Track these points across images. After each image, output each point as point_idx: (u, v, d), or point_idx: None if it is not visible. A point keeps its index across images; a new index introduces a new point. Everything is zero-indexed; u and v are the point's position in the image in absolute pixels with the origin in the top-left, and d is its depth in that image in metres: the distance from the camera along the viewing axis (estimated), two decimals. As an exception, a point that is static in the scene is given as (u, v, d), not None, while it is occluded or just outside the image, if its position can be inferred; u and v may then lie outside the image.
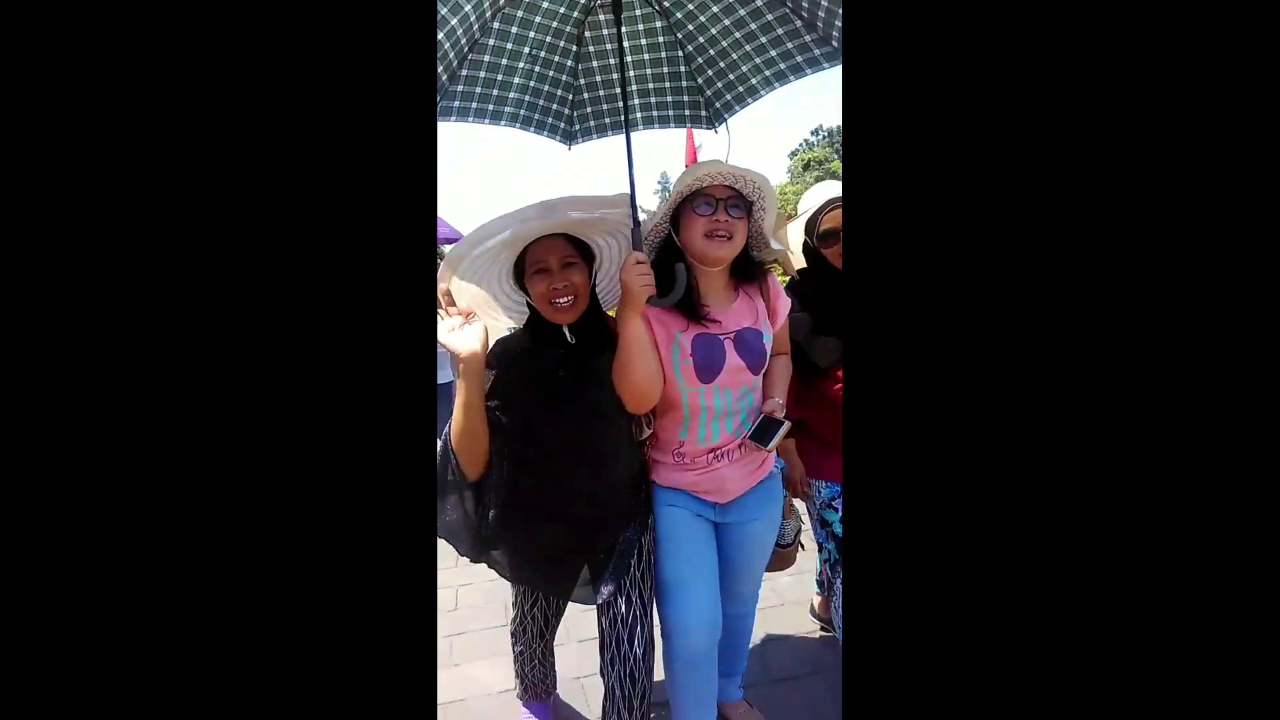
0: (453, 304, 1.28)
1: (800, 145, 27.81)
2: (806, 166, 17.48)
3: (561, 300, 1.25)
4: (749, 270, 1.40)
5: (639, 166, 1.41)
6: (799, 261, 1.71)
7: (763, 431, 1.37)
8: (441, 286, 1.28)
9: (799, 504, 1.80)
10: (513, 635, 1.69)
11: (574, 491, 1.36)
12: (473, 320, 1.26)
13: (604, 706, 1.43)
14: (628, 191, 1.28)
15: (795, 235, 1.70)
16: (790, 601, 2.29)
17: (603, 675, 1.42)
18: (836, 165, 15.66)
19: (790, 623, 2.20)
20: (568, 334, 1.31)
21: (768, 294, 1.41)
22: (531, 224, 1.23)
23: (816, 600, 2.21)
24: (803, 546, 1.85)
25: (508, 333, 1.43)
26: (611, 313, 1.42)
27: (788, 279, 1.74)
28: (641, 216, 1.30)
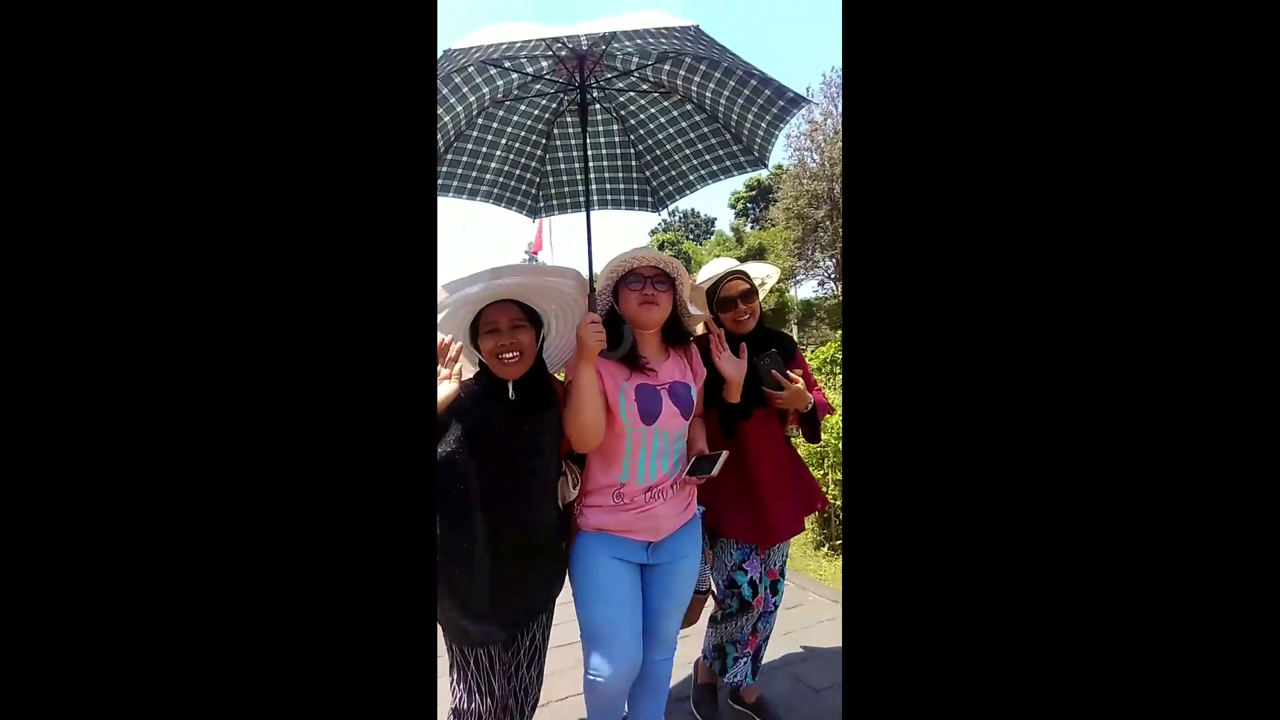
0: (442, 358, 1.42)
1: (658, 225, 30.73)
2: (661, 246, 19.27)
3: (508, 356, 1.41)
4: (677, 335, 1.68)
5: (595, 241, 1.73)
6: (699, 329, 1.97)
7: (700, 464, 1.59)
8: (443, 339, 1.42)
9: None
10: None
11: (502, 537, 1.46)
12: (451, 378, 1.38)
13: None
14: (572, 267, 1.58)
15: (694, 304, 1.97)
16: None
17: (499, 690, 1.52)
18: (686, 246, 17.19)
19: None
20: (510, 389, 1.46)
21: (691, 358, 1.70)
22: (479, 287, 1.42)
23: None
24: (713, 595, 1.92)
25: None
26: (559, 375, 1.64)
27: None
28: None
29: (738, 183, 30.76)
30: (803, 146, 20.06)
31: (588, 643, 1.56)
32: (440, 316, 1.49)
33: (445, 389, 1.34)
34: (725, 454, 1.60)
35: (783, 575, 1.98)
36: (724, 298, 1.82)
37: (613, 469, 1.57)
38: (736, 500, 1.81)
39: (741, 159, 2.07)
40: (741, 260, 2.16)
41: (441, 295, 1.47)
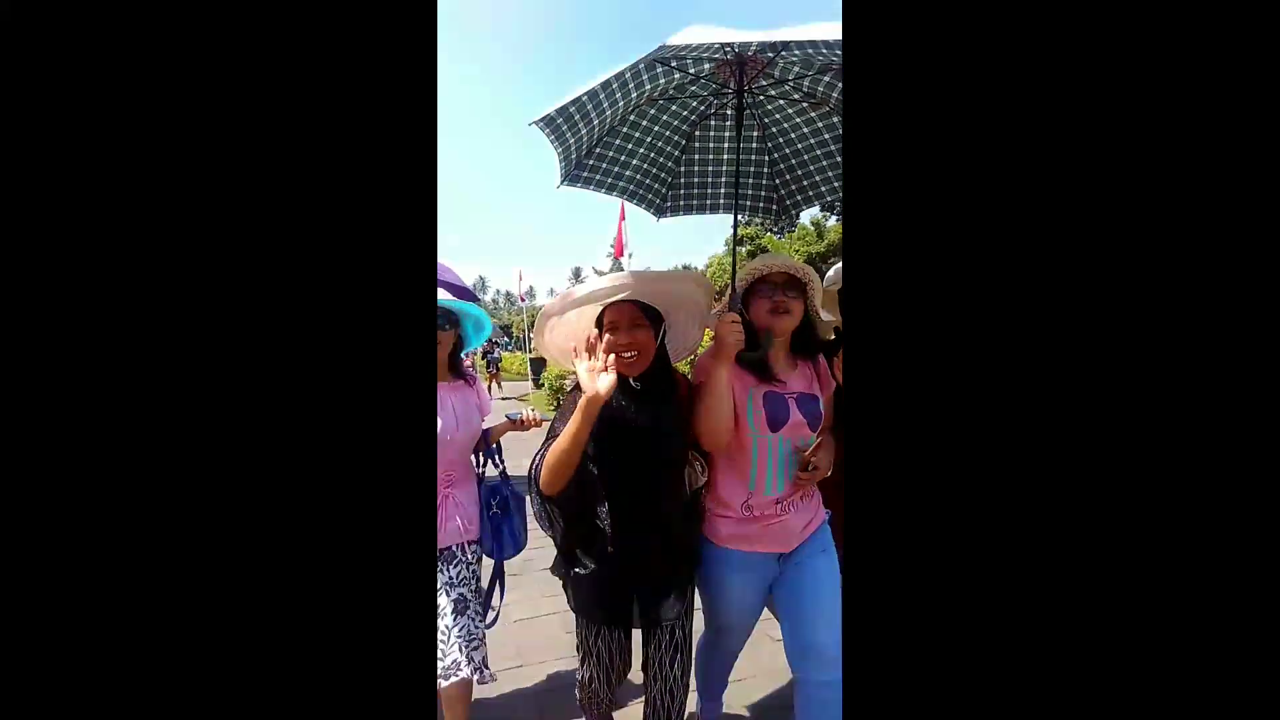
0: (593, 350, 1.47)
1: (727, 231, 31.62)
2: (740, 240, 19.09)
3: (626, 355, 1.48)
4: (806, 346, 1.68)
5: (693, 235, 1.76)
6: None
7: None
8: (592, 333, 1.51)
9: None
10: (585, 700, 1.77)
11: (633, 521, 1.52)
12: (608, 369, 1.43)
13: (645, 714, 1.60)
14: (702, 276, 1.61)
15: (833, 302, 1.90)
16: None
17: (645, 691, 1.59)
18: (766, 239, 16.89)
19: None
20: (633, 383, 1.53)
21: (820, 371, 1.69)
22: (601, 286, 1.53)
23: None
24: None
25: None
26: (681, 366, 1.68)
27: None
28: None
29: None
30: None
31: (711, 625, 1.74)
32: (558, 322, 1.60)
33: (607, 380, 1.39)
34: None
35: None
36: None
37: (741, 478, 1.59)
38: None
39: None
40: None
41: (562, 298, 1.57)
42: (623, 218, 4.26)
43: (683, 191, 2.33)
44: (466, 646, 1.71)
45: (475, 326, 1.88)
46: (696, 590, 1.65)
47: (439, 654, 1.71)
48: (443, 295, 1.80)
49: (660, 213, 2.36)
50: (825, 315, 1.82)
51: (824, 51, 1.67)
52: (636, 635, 1.63)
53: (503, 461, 1.97)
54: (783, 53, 1.73)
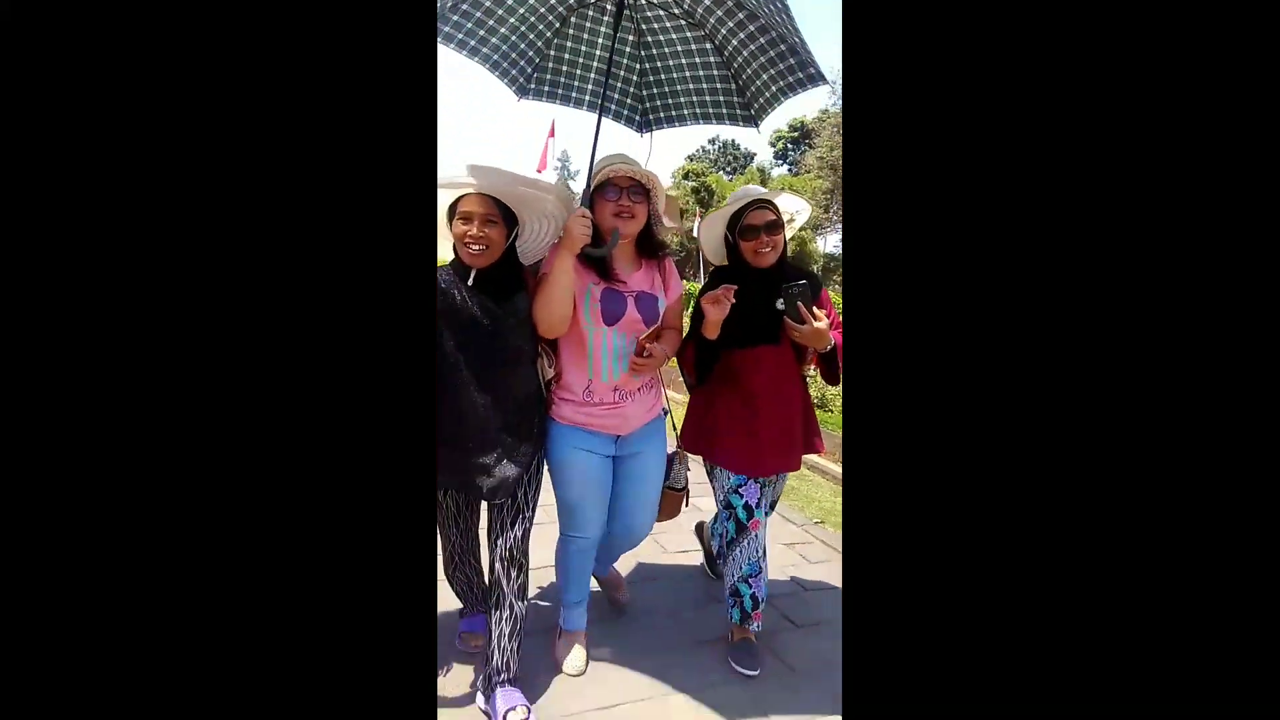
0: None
1: (695, 152, 31.93)
2: (686, 176, 19.15)
3: (475, 248, 1.53)
4: (651, 249, 1.79)
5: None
6: (712, 254, 2.01)
7: (790, 299, 1.69)
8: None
9: (694, 460, 2.01)
10: (447, 572, 1.93)
11: (480, 404, 1.60)
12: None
13: (489, 575, 1.73)
14: (565, 188, 1.62)
15: (713, 229, 1.93)
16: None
17: (489, 552, 1.70)
18: (711, 179, 17.07)
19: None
20: (471, 275, 1.57)
21: (665, 272, 1.81)
22: (466, 178, 1.53)
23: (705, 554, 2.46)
24: (687, 501, 2.03)
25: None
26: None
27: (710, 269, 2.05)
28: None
29: (780, 120, 30.48)
30: (848, 95, 20.20)
31: (562, 515, 1.81)
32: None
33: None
34: (804, 282, 1.73)
35: (772, 508, 2.04)
36: (746, 225, 1.81)
37: (579, 366, 1.71)
38: (733, 428, 1.87)
39: (738, 112, 2.18)
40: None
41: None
42: (551, 134, 4.05)
43: (549, 76, 2.25)
44: None
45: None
46: (545, 470, 1.77)
47: None
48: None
49: (523, 92, 2.27)
50: (668, 222, 1.90)
51: None
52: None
53: None
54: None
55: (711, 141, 34.27)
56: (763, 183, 18.85)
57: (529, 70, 2.20)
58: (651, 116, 2.32)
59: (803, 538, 2.92)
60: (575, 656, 1.87)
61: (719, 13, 1.91)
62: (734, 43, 1.97)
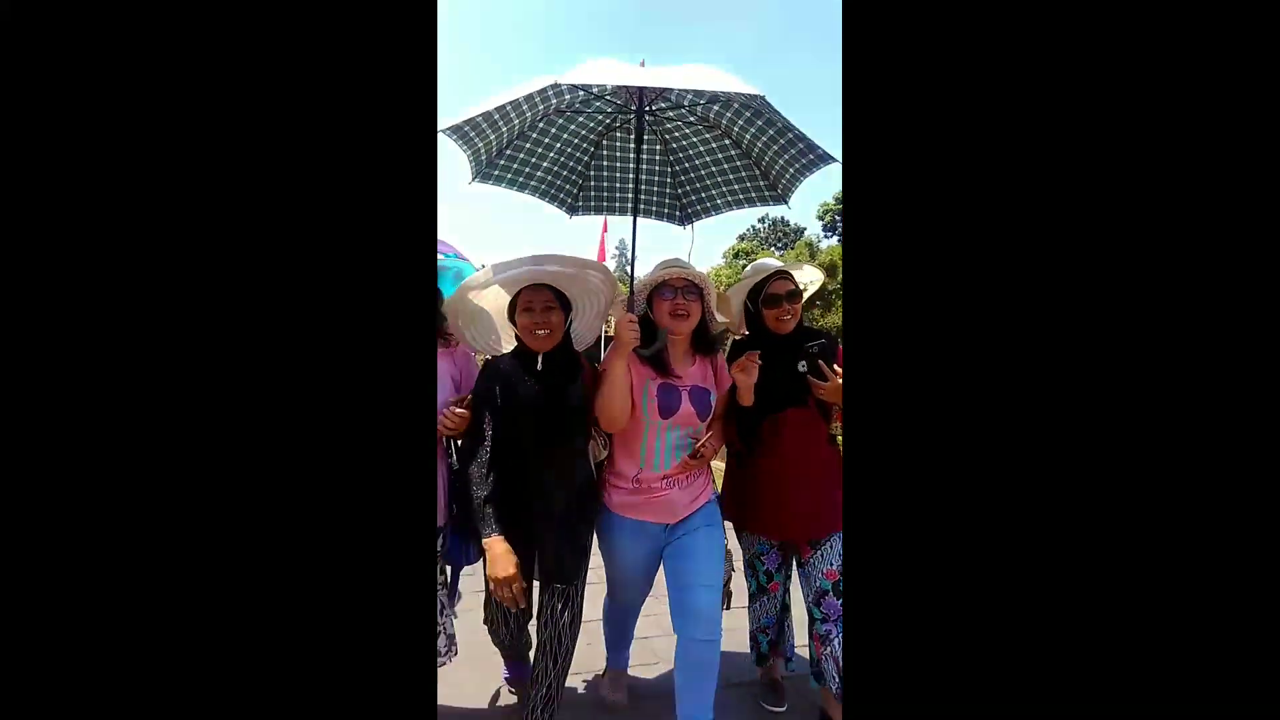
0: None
1: (746, 232, 33.37)
2: (736, 255, 19.82)
3: (540, 332, 1.69)
4: (705, 345, 1.91)
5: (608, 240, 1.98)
6: (735, 323, 2.09)
7: (810, 359, 1.83)
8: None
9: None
10: (493, 636, 1.99)
11: (538, 486, 1.71)
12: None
13: (535, 658, 1.81)
14: (606, 267, 1.82)
15: (735, 299, 2.03)
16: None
17: (537, 635, 1.80)
18: (761, 255, 17.54)
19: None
20: (539, 361, 1.73)
21: (716, 366, 1.92)
22: (524, 270, 1.70)
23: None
24: (727, 604, 1.94)
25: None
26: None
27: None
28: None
29: (826, 193, 31.25)
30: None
31: (611, 585, 1.99)
32: (480, 291, 1.75)
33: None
34: (824, 341, 1.85)
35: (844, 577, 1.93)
36: (770, 295, 1.92)
37: (633, 457, 1.81)
38: (760, 493, 1.92)
39: (766, 193, 2.32)
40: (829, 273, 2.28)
41: (486, 274, 1.72)
42: (605, 230, 4.46)
43: (593, 193, 2.51)
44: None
45: (456, 279, 1.89)
46: (598, 550, 1.88)
47: None
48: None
49: (572, 211, 2.54)
50: (720, 318, 2.03)
51: (726, 101, 1.88)
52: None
53: None
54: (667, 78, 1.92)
55: (761, 220, 35.35)
56: (812, 255, 18.93)
57: (575, 191, 2.48)
58: (690, 210, 2.52)
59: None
60: (618, 690, 2.11)
61: (729, 114, 2.10)
62: (748, 136, 2.15)
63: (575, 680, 2.11)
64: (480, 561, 1.72)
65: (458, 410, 1.70)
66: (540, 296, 1.71)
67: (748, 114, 2.04)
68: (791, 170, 2.14)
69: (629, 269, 1.90)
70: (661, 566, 1.88)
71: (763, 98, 1.67)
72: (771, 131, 2.04)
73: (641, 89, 1.96)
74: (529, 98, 1.88)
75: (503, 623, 1.91)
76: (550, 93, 1.92)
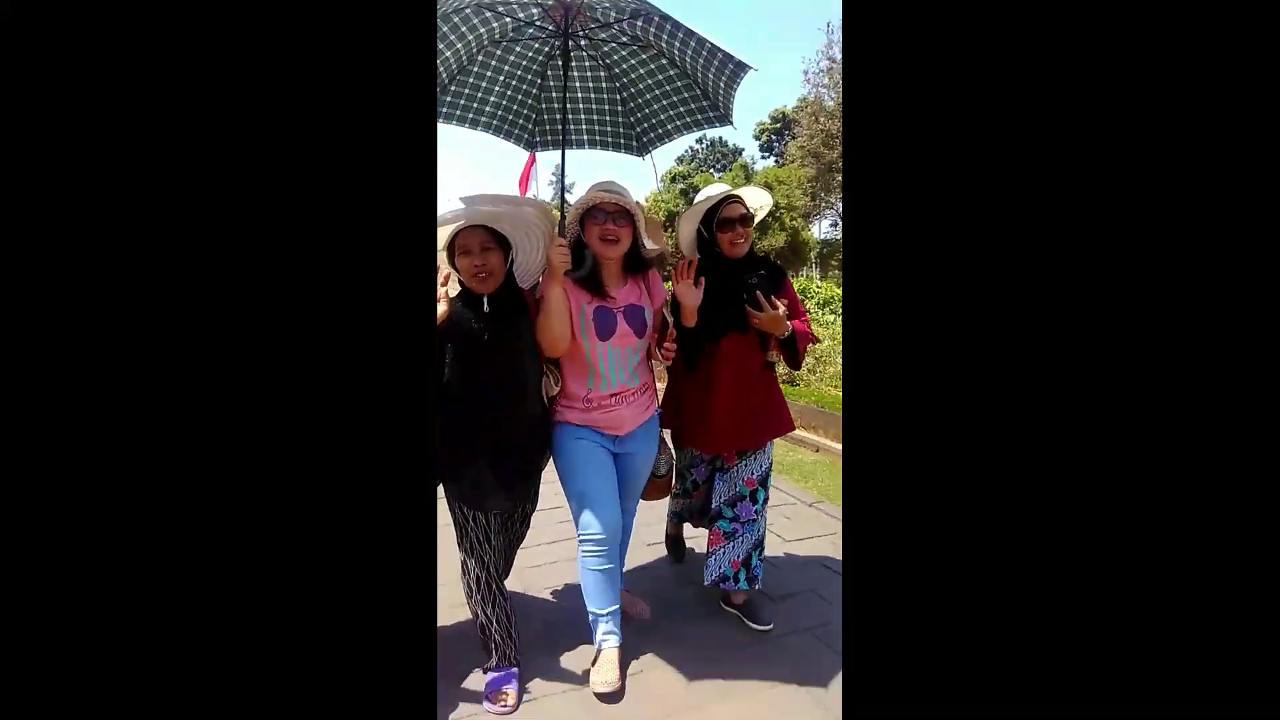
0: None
1: (685, 153, 33.56)
2: (674, 179, 19.52)
3: (481, 274, 1.72)
4: (635, 265, 1.94)
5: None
6: (686, 248, 2.15)
7: (749, 289, 1.88)
8: (442, 261, 1.76)
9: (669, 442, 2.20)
10: (474, 608, 1.88)
11: (495, 424, 1.81)
12: (441, 299, 1.69)
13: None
14: (542, 200, 1.86)
15: (689, 224, 2.04)
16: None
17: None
18: (700, 179, 17.10)
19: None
20: (485, 303, 1.77)
21: (649, 283, 1.96)
22: (455, 211, 1.74)
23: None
24: (671, 486, 2.19)
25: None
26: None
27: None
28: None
29: (762, 113, 30.65)
30: (821, 84, 18.76)
31: (577, 509, 1.89)
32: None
33: (440, 308, 1.65)
34: (764, 273, 1.89)
35: (763, 485, 2.08)
36: (723, 219, 1.94)
37: (580, 379, 1.88)
38: (694, 409, 2.02)
39: (711, 115, 2.29)
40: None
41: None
42: (532, 161, 4.40)
43: (547, 127, 2.56)
44: None
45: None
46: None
47: None
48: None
49: (531, 146, 2.60)
50: (649, 242, 2.06)
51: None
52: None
53: None
54: (589, -1, 1.93)
55: (699, 141, 34.27)
56: (748, 177, 18.21)
57: (529, 127, 2.53)
58: (644, 139, 2.51)
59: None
60: (607, 672, 1.86)
61: (653, 30, 2.08)
62: (677, 52, 2.12)
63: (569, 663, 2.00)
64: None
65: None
66: (476, 238, 1.73)
67: (669, 26, 2.02)
68: (723, 84, 2.10)
69: (569, 191, 1.94)
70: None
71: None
72: (693, 44, 2.01)
73: (565, 9, 1.99)
74: (446, 19, 1.94)
75: (499, 585, 1.92)
76: (471, 15, 1.97)
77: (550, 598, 2.31)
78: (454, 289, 1.90)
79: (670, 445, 2.16)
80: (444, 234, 1.81)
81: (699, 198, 2.07)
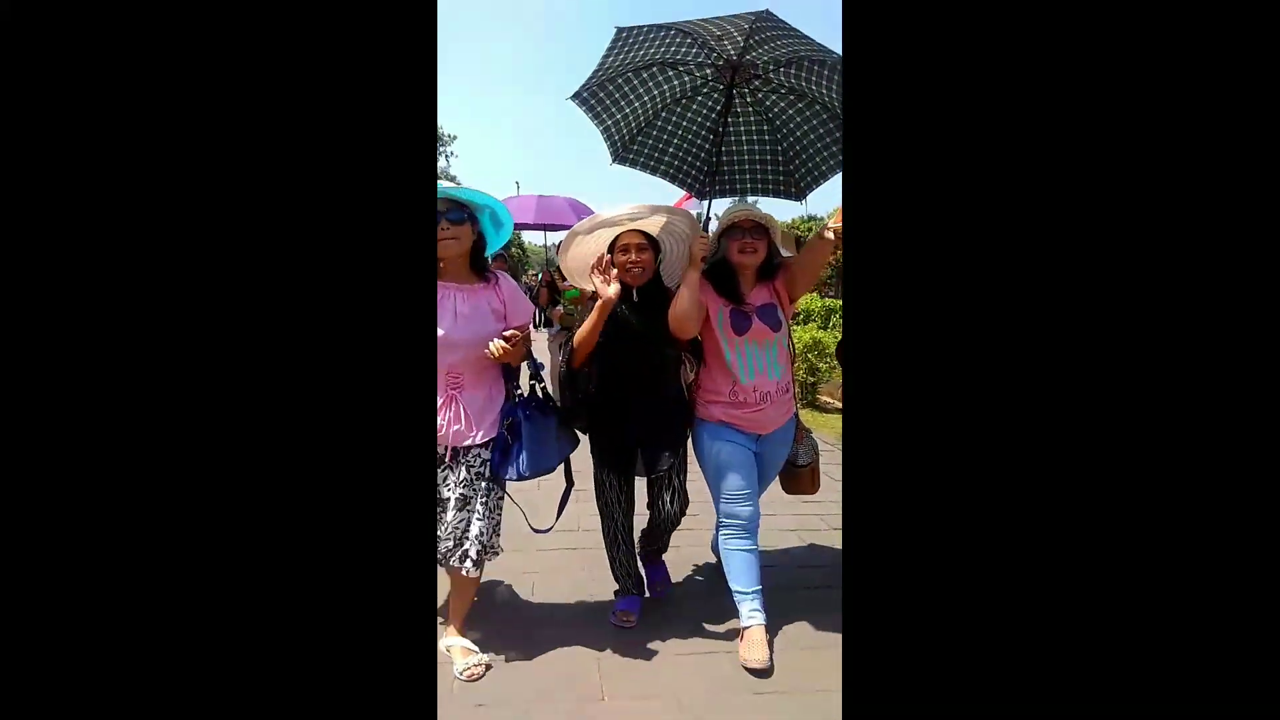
0: (607, 270, 2.03)
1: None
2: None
3: (634, 269, 2.15)
4: (770, 272, 2.25)
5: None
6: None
7: None
8: (604, 255, 2.14)
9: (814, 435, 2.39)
10: (607, 546, 2.29)
11: (632, 399, 2.16)
12: (610, 280, 2.01)
13: (643, 532, 2.25)
14: (693, 212, 2.23)
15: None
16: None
17: (650, 520, 2.22)
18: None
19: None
20: (634, 294, 2.18)
21: (778, 288, 2.24)
22: (621, 214, 2.19)
23: None
24: (817, 480, 2.38)
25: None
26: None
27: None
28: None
29: None
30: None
31: (718, 503, 2.19)
32: (584, 239, 2.27)
33: (614, 288, 2.03)
34: None
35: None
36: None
37: (722, 373, 2.17)
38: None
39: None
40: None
41: (590, 222, 2.25)
42: (690, 197, 4.93)
43: (718, 176, 2.96)
44: (455, 536, 1.89)
45: (493, 221, 2.05)
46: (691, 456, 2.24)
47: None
48: (448, 186, 1.94)
49: (703, 195, 3.01)
50: (784, 251, 2.34)
51: (733, 25, 2.23)
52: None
53: (539, 379, 2.14)
54: (750, 53, 2.35)
55: None
56: None
57: (701, 177, 2.96)
58: (802, 183, 2.79)
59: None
60: (756, 650, 1.98)
61: (803, 75, 2.43)
62: (832, 93, 2.43)
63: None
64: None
65: (509, 335, 1.92)
66: (634, 239, 2.18)
67: (815, 68, 2.35)
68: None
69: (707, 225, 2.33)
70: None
71: (766, 11, 2.01)
72: (834, 75, 2.31)
73: (734, 68, 2.44)
74: (637, 71, 2.48)
75: (627, 537, 2.30)
76: (657, 69, 2.50)
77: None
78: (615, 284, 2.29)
79: (812, 435, 2.35)
80: (610, 233, 2.23)
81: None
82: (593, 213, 3.05)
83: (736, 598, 2.10)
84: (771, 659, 1.96)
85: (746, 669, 1.94)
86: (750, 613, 2.05)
